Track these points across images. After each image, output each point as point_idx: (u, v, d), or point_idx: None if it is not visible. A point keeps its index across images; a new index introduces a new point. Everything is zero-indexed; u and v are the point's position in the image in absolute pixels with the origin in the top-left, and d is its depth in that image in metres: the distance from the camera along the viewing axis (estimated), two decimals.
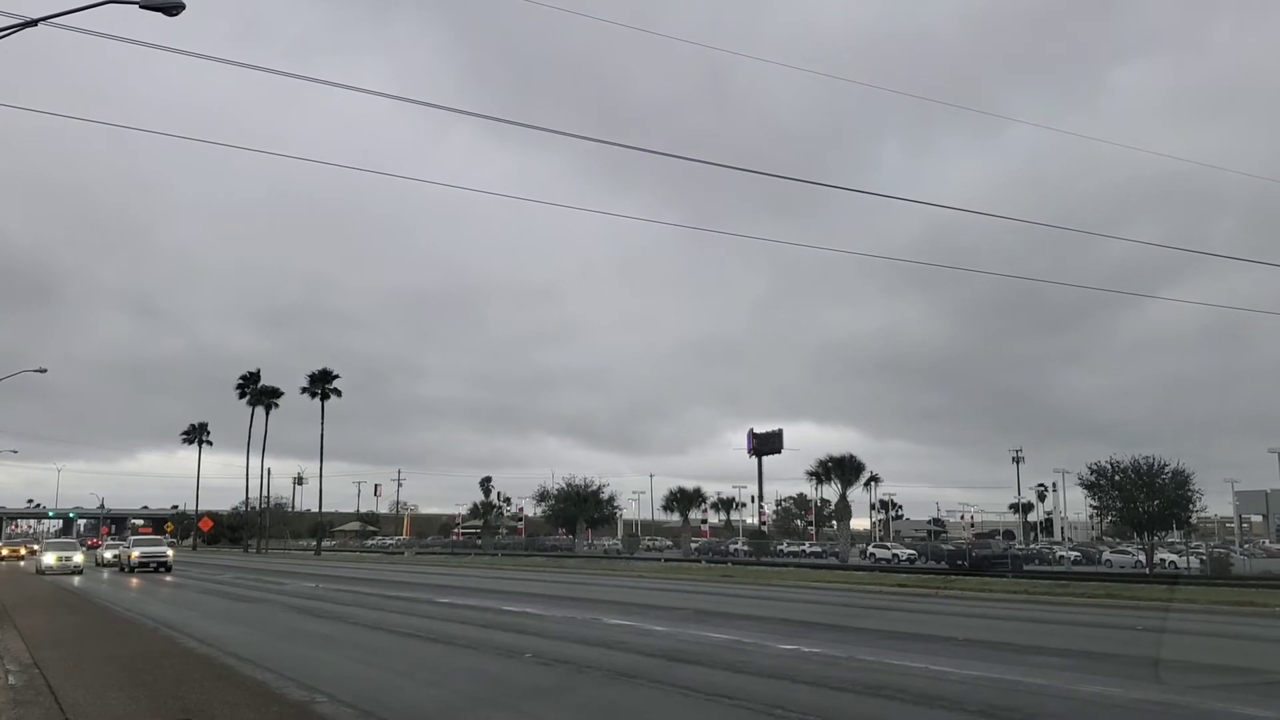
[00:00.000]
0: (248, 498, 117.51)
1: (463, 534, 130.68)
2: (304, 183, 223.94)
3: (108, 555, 61.79)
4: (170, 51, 17.55)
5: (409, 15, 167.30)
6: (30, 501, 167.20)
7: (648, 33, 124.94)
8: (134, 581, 41.71)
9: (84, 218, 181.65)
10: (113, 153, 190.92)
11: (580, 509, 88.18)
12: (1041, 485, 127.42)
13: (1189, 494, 52.34)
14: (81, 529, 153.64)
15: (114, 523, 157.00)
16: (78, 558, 49.99)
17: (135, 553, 51.72)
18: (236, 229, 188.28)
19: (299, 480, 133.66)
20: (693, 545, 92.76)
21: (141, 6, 15.88)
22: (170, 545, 58.19)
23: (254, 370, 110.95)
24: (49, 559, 49.19)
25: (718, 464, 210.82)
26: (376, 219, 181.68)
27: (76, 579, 43.20)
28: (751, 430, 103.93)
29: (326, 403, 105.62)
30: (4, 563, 72.06)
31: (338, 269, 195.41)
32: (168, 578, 45.10)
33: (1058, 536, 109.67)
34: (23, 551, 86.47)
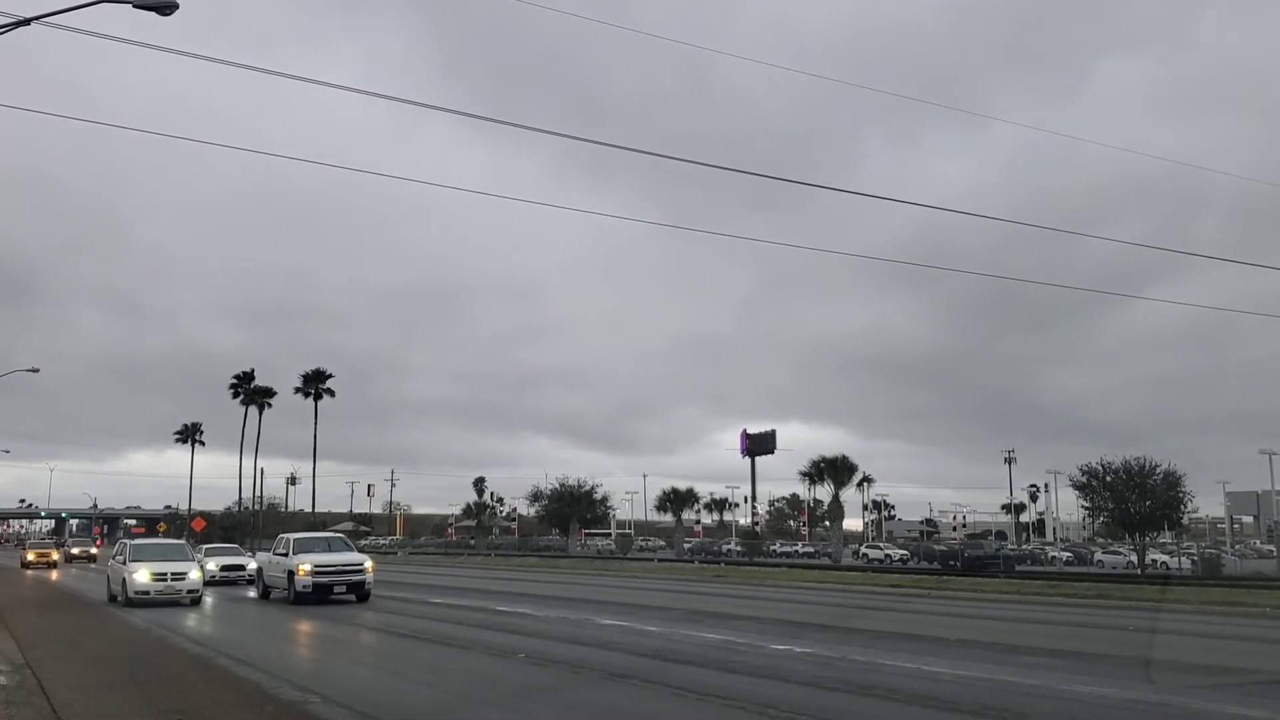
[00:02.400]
0: (240, 497, 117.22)
1: (456, 534, 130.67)
2: (280, 177, 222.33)
3: (212, 567, 36.90)
4: (159, 51, 17.52)
5: (383, 5, 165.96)
6: (22, 501, 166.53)
7: (627, 30, 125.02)
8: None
9: (61, 214, 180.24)
10: (87, 148, 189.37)
11: (574, 509, 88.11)
12: (1034, 486, 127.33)
13: (1180, 495, 52.49)
14: (74, 529, 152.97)
15: (106, 523, 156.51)
16: (194, 574, 27.49)
17: (304, 565, 27.39)
18: (214, 224, 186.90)
19: (292, 480, 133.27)
20: (686, 545, 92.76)
21: (135, 6, 15.85)
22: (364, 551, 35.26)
23: (248, 370, 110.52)
24: (142, 576, 26.52)
25: (708, 464, 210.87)
26: (355, 214, 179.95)
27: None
28: (745, 431, 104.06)
29: (319, 402, 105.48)
30: (30, 571, 53.22)
31: (319, 265, 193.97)
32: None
33: (1050, 537, 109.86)
34: (54, 556, 61.25)
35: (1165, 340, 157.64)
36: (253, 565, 36.09)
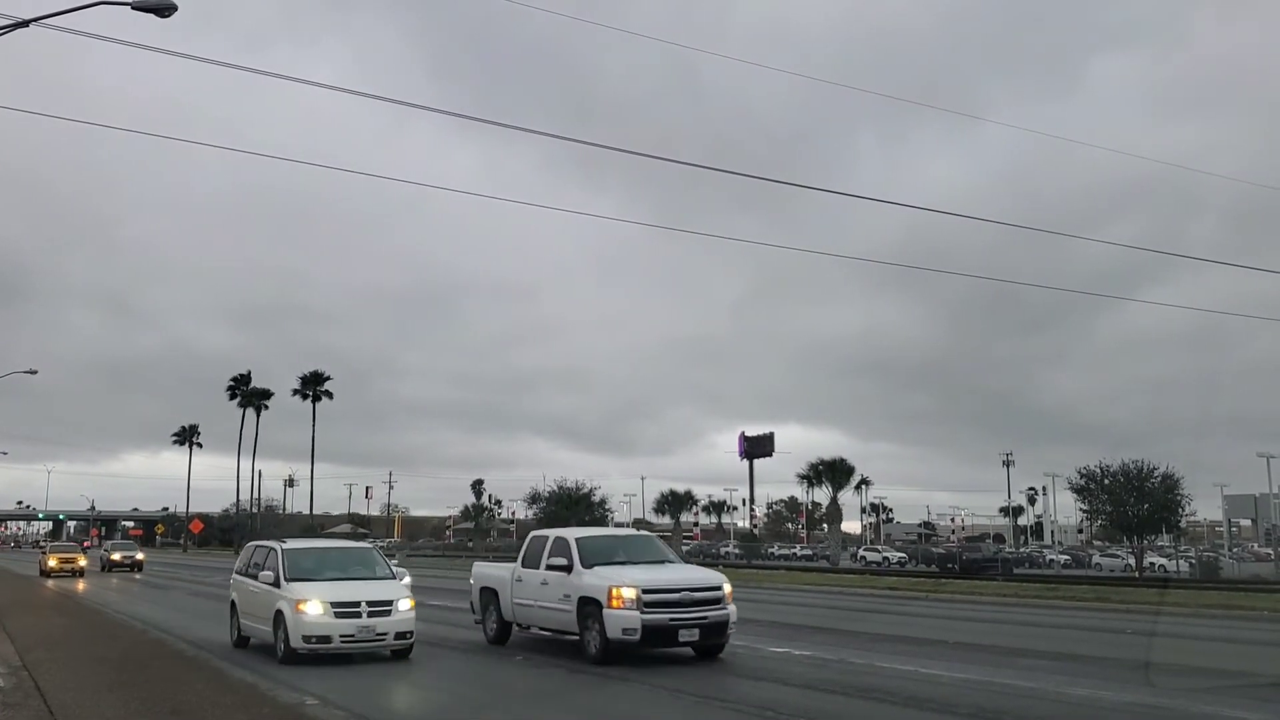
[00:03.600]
0: (238, 500, 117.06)
1: (454, 536, 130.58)
2: (272, 176, 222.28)
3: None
4: (151, 51, 17.54)
5: (373, 3, 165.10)
6: (20, 503, 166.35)
7: (619, 30, 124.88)
8: None
9: (53, 214, 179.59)
10: (78, 147, 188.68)
11: (571, 511, 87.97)
12: (1031, 489, 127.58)
13: (1178, 498, 52.54)
14: (72, 530, 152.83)
15: (104, 525, 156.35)
16: (405, 604, 15.48)
17: (625, 588, 14.71)
18: (206, 224, 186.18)
19: (290, 482, 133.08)
20: (684, 548, 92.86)
21: (134, 8, 15.86)
22: None
23: (245, 372, 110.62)
24: (316, 607, 14.85)
25: (706, 466, 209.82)
26: (347, 213, 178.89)
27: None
28: (743, 433, 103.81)
29: (317, 404, 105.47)
30: (51, 581, 43.70)
31: (310, 265, 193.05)
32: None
33: (1048, 540, 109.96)
34: (82, 562, 49.71)
35: (1162, 342, 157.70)
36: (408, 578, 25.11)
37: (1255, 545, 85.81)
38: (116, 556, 55.97)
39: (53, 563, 48.66)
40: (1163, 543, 72.77)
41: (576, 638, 15.45)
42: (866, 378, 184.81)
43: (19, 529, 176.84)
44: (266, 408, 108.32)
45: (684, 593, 15.03)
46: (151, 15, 15.83)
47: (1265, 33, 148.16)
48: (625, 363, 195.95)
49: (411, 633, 15.40)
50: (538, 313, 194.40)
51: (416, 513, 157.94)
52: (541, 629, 16.85)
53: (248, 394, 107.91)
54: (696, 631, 14.89)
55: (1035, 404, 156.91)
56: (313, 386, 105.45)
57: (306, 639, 14.70)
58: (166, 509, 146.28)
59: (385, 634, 15.09)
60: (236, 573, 18.20)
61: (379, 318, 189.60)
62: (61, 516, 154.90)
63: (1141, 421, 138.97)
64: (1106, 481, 53.30)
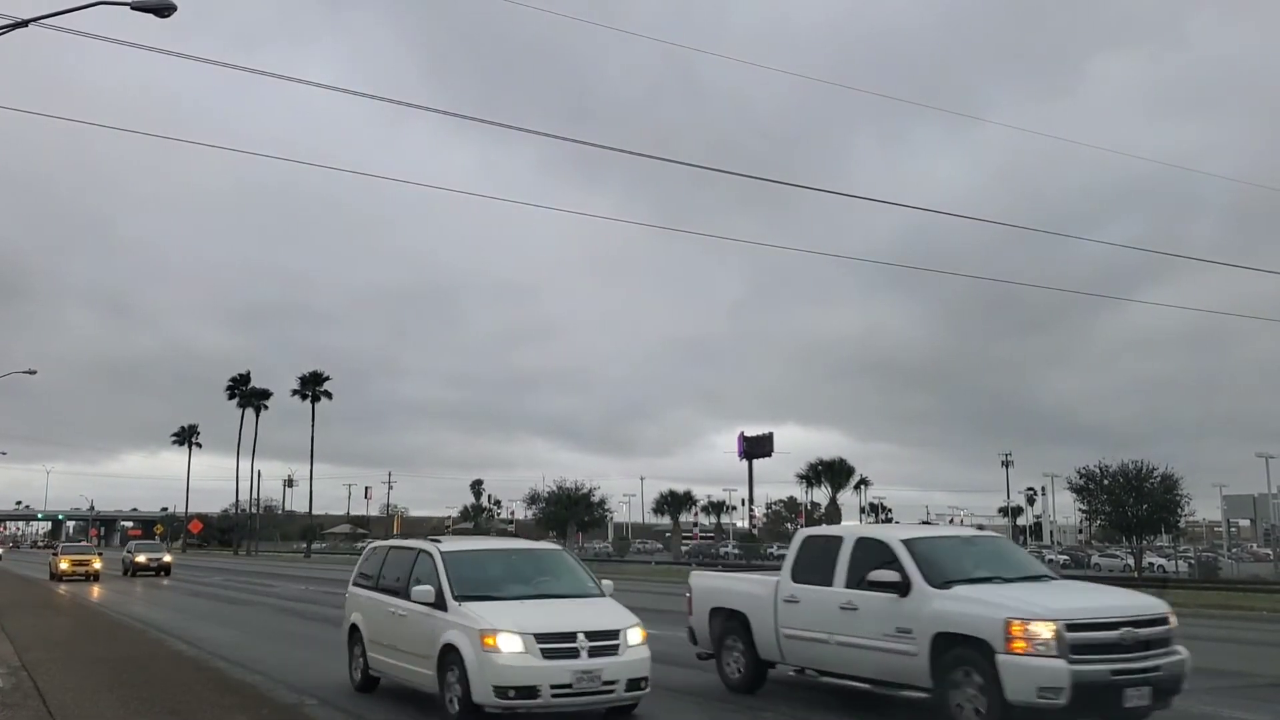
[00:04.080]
0: (238, 500, 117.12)
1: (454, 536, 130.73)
2: (268, 175, 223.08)
3: None
4: (149, 51, 17.54)
5: (369, 1, 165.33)
6: (19, 503, 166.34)
7: (617, 29, 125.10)
8: None
9: (51, 213, 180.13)
10: (75, 147, 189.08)
11: (571, 512, 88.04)
12: (1030, 489, 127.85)
13: (1177, 498, 52.58)
14: (70, 531, 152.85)
15: (103, 525, 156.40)
16: (635, 635, 10.71)
17: (1059, 623, 9.62)
18: (202, 224, 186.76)
19: (289, 483, 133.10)
20: (683, 548, 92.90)
21: (133, 8, 15.87)
22: None
23: (244, 372, 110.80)
24: (513, 642, 10.08)
25: (705, 466, 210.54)
26: (345, 213, 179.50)
27: None
28: (742, 434, 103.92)
29: (316, 405, 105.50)
30: (63, 585, 40.93)
31: (309, 265, 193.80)
32: None
33: (1047, 540, 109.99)
34: (96, 565, 45.15)
35: (1161, 342, 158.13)
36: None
37: (1254, 545, 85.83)
38: (142, 559, 50.84)
39: (64, 565, 44.97)
40: (1162, 543, 72.78)
41: (924, 694, 10.51)
42: (866, 378, 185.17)
43: (18, 529, 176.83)
44: (266, 408, 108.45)
45: (1125, 628, 9.91)
46: (150, 15, 15.84)
47: (1265, 33, 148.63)
48: (624, 363, 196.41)
49: (646, 679, 10.62)
50: (537, 313, 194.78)
51: (416, 513, 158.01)
52: (832, 674, 11.85)
53: (247, 394, 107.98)
54: (1148, 690, 9.77)
55: (1034, 404, 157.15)
56: (312, 387, 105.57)
57: (501, 690, 9.88)
58: (165, 509, 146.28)
59: (614, 683, 10.23)
60: (355, 584, 13.54)
61: (378, 318, 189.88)
62: (60, 517, 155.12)
63: (1141, 422, 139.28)
64: (1105, 482, 53.31)
